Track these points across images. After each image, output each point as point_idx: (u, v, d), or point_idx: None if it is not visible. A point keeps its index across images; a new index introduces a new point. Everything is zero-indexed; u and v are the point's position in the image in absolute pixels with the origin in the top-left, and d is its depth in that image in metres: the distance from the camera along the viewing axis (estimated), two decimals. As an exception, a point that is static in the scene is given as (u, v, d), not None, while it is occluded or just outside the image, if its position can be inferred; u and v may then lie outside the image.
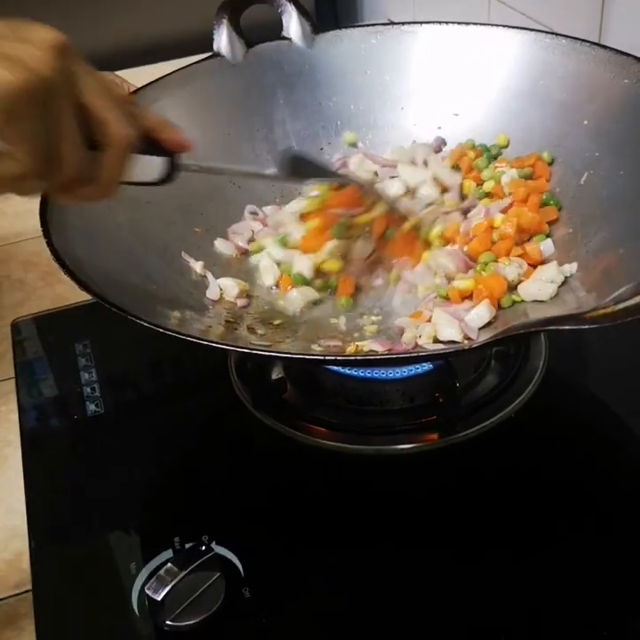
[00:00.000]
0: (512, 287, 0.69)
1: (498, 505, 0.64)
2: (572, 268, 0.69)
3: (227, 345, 0.62)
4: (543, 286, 0.67)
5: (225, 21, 0.82)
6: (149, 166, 0.57)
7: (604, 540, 0.61)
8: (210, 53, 0.83)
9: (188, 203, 0.77)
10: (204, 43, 0.84)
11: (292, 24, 0.85)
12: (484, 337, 0.61)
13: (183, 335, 0.57)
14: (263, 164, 0.84)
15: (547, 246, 0.72)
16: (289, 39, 0.85)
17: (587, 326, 0.48)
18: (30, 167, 0.47)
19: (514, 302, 0.68)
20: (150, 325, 0.56)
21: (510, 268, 0.69)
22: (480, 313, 0.66)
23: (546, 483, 0.65)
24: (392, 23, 0.87)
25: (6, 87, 0.44)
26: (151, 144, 0.56)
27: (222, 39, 0.83)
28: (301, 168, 0.70)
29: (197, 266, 0.75)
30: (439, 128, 0.84)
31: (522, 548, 0.61)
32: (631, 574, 0.59)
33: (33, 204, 0.65)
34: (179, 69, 0.82)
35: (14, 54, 0.45)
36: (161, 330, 0.56)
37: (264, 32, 0.85)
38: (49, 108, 0.46)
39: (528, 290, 0.68)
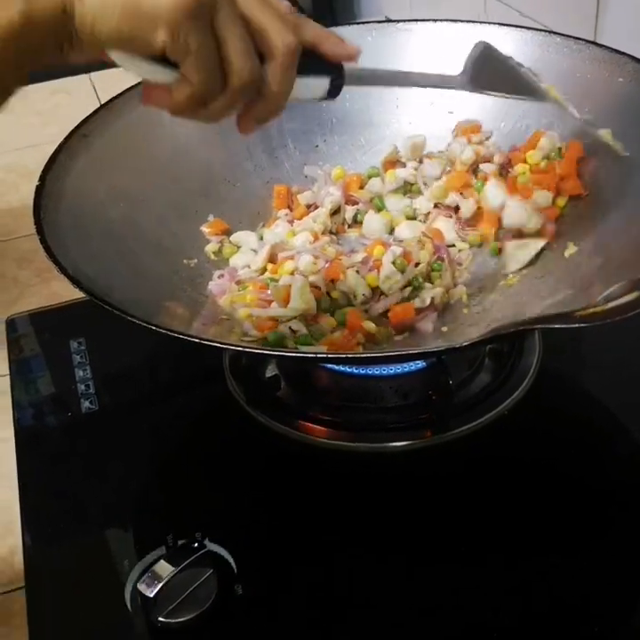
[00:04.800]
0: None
1: (491, 502, 0.64)
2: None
3: (221, 343, 0.62)
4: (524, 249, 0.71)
5: (220, 19, 0.82)
6: (313, 84, 0.55)
7: (598, 536, 0.61)
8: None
9: (180, 200, 0.77)
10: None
11: (287, 22, 0.84)
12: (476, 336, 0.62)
13: (177, 333, 0.56)
14: (259, 163, 0.84)
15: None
16: (284, 37, 0.85)
17: (576, 325, 0.49)
18: (202, 84, 0.48)
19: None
20: (143, 323, 0.56)
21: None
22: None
23: (540, 479, 0.65)
24: (388, 21, 0.87)
25: (168, 2, 0.45)
26: (314, 59, 0.54)
27: (217, 37, 0.82)
28: (491, 74, 0.65)
29: None
30: (434, 126, 0.84)
31: (515, 544, 0.61)
32: (625, 570, 0.59)
33: (27, 200, 0.65)
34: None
35: None
36: (153, 328, 0.56)
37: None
38: (213, 19, 0.47)
39: (512, 253, 0.72)
